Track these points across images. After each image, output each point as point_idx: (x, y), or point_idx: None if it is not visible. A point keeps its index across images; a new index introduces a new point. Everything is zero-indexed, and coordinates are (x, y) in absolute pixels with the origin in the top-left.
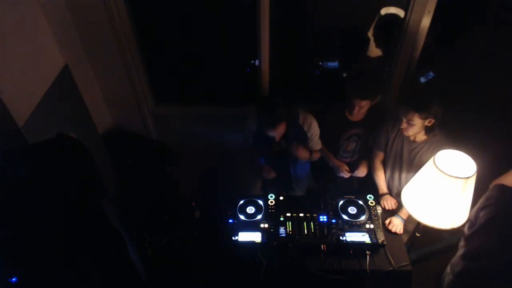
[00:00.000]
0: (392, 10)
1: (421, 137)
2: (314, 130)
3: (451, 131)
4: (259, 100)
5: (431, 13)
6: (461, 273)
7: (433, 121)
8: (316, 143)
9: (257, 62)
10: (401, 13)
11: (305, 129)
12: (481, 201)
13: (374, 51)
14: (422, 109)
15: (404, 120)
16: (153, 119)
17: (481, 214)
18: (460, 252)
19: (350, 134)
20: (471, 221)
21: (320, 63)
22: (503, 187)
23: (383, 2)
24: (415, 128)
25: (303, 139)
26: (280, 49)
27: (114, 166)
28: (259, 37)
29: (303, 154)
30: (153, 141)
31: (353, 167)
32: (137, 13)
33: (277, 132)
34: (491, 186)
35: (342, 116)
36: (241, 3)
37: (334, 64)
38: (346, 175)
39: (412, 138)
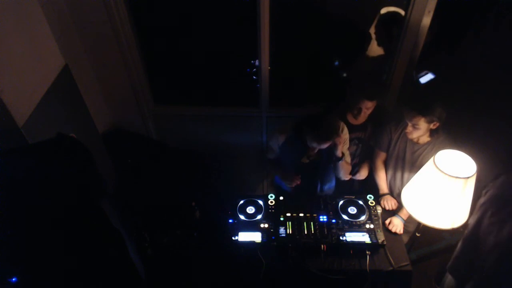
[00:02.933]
0: (392, 9)
1: (425, 138)
2: (345, 136)
3: (452, 131)
4: (315, 113)
5: (431, 13)
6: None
7: (438, 124)
8: (347, 153)
9: (257, 62)
10: (401, 11)
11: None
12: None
13: (375, 50)
14: (427, 113)
15: (410, 124)
16: (153, 119)
17: (482, 198)
18: (458, 249)
19: (350, 137)
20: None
21: (320, 62)
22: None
23: (384, 1)
24: (420, 132)
25: (336, 147)
26: (280, 48)
27: (114, 166)
28: (259, 37)
29: (347, 168)
30: (153, 141)
31: (353, 170)
32: (137, 13)
33: (326, 146)
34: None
35: (343, 119)
36: (241, 3)
37: (334, 63)
38: (346, 177)
39: (415, 139)
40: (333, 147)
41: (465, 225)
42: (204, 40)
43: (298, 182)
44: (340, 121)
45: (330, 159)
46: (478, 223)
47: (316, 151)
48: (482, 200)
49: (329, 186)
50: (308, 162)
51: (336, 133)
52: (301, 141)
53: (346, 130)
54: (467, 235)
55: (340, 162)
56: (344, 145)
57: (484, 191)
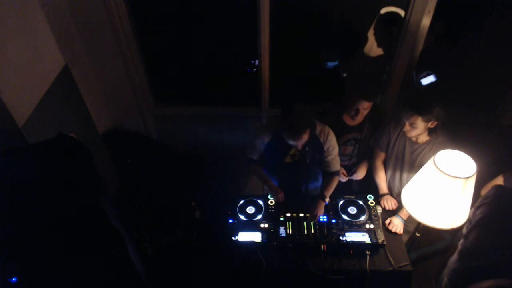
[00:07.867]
0: (392, 9)
1: (424, 138)
2: (331, 142)
3: (452, 131)
4: (283, 106)
5: (431, 13)
6: (458, 272)
7: (436, 123)
8: (335, 160)
9: (257, 62)
10: (401, 11)
11: (322, 140)
12: (479, 200)
13: (374, 50)
14: (424, 112)
15: (407, 123)
16: (153, 119)
17: (478, 212)
18: (457, 251)
19: (347, 138)
20: (469, 220)
21: (320, 63)
22: (500, 187)
23: (383, 1)
24: (418, 130)
25: (320, 151)
26: (280, 48)
27: (114, 166)
28: (259, 37)
29: (322, 209)
30: (153, 141)
31: (350, 170)
32: (137, 13)
33: (301, 141)
34: (490, 186)
35: (339, 120)
36: (241, 3)
37: (334, 64)
38: (343, 178)
39: (414, 139)
40: (313, 141)
41: (465, 225)
42: (204, 40)
43: (281, 199)
44: (313, 118)
45: (314, 158)
46: (479, 216)
47: (300, 148)
48: (486, 194)
49: (315, 185)
50: (292, 162)
51: (307, 125)
52: (283, 141)
53: (332, 135)
54: (468, 230)
55: (317, 205)
56: (330, 150)
57: (489, 187)
